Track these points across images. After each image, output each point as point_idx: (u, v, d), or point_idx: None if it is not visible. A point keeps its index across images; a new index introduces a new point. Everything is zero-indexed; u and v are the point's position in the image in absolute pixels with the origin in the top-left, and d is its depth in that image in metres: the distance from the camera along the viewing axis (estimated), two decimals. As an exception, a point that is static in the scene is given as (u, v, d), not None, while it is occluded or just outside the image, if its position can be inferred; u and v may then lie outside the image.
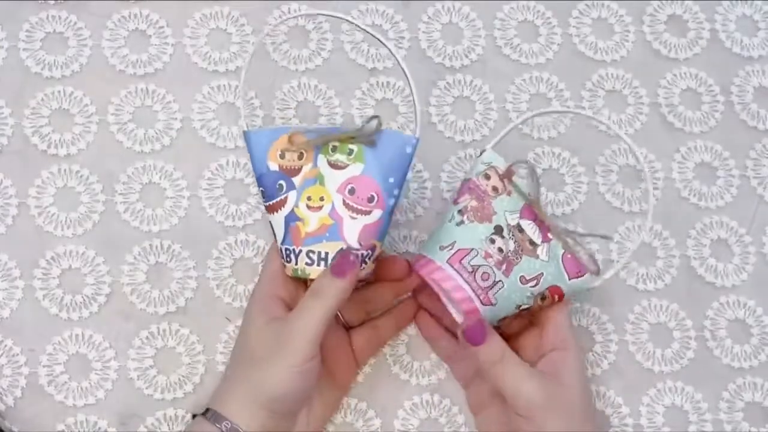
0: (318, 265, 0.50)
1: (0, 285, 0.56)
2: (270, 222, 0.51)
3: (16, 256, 0.57)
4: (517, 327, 0.54)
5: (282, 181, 0.51)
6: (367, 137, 0.50)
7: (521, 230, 0.51)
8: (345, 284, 0.48)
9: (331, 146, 0.50)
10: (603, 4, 0.65)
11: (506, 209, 0.51)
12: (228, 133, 0.60)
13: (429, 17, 0.64)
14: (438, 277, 0.50)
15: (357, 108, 0.61)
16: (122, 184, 0.58)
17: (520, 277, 0.50)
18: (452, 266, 0.50)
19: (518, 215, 0.51)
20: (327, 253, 0.49)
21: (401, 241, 0.59)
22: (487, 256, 0.50)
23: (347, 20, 0.51)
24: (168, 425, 0.55)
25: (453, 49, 0.63)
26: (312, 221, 0.50)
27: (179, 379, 0.56)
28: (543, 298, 0.51)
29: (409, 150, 0.50)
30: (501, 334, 0.50)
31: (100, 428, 0.54)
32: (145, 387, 0.55)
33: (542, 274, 0.51)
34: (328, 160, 0.50)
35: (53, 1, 0.61)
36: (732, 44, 0.65)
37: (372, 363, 0.57)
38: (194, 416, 0.50)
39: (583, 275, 0.51)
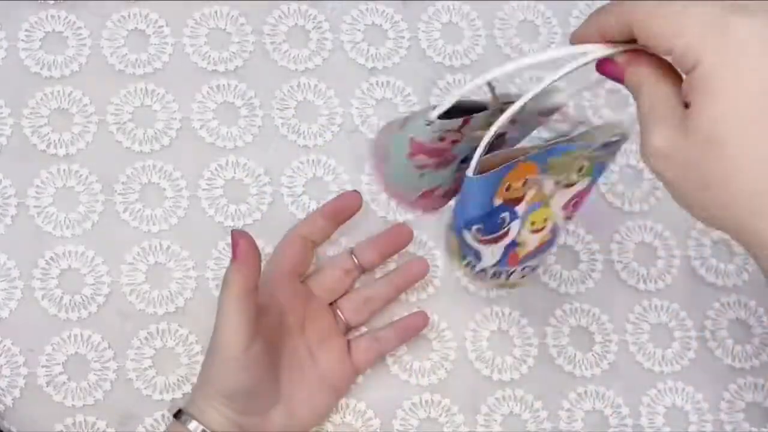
0: (530, 273, 0.50)
1: (-1, 285, 0.56)
2: (477, 249, 0.47)
3: (15, 256, 0.57)
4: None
5: (505, 214, 0.46)
6: (609, 156, 0.45)
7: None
8: (243, 268, 0.46)
9: (558, 172, 0.45)
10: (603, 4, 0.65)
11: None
12: (228, 133, 0.60)
13: (429, 17, 0.64)
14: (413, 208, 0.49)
15: (357, 108, 0.61)
16: (121, 184, 0.58)
17: None
18: (426, 198, 0.47)
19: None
20: (538, 264, 0.49)
21: (401, 241, 0.59)
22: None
23: None
24: (166, 426, 0.54)
25: (453, 49, 0.63)
26: (532, 242, 0.47)
27: (178, 380, 0.56)
28: None
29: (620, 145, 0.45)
30: None
31: (98, 429, 0.54)
32: (144, 387, 0.55)
33: None
34: (556, 180, 0.45)
35: (52, 1, 0.61)
36: (732, 44, 0.65)
37: (371, 363, 0.57)
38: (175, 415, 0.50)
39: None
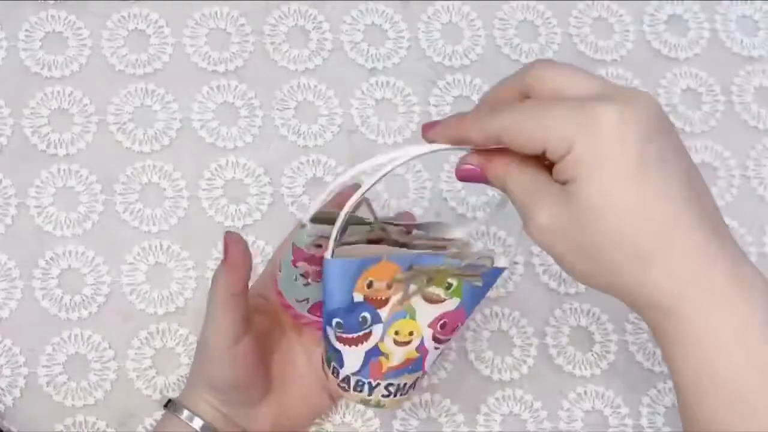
0: (395, 395, 0.47)
1: (-1, 285, 0.56)
2: (338, 349, 0.46)
3: (16, 256, 0.57)
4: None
5: (366, 314, 0.45)
6: (475, 277, 0.45)
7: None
8: (231, 273, 0.46)
9: (426, 279, 0.45)
10: (603, 4, 0.65)
11: None
12: (228, 133, 0.60)
13: (429, 17, 0.64)
14: (307, 322, 0.48)
15: (357, 108, 0.61)
16: (122, 184, 0.58)
17: None
18: (314, 314, 0.47)
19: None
20: (406, 384, 0.47)
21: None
22: None
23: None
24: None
25: (453, 49, 0.63)
26: (397, 356, 0.46)
27: (178, 380, 0.56)
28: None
29: (497, 282, 0.47)
30: None
31: (98, 429, 0.54)
32: (144, 387, 0.55)
33: None
34: (423, 294, 0.45)
35: (53, 1, 0.61)
36: (732, 44, 0.65)
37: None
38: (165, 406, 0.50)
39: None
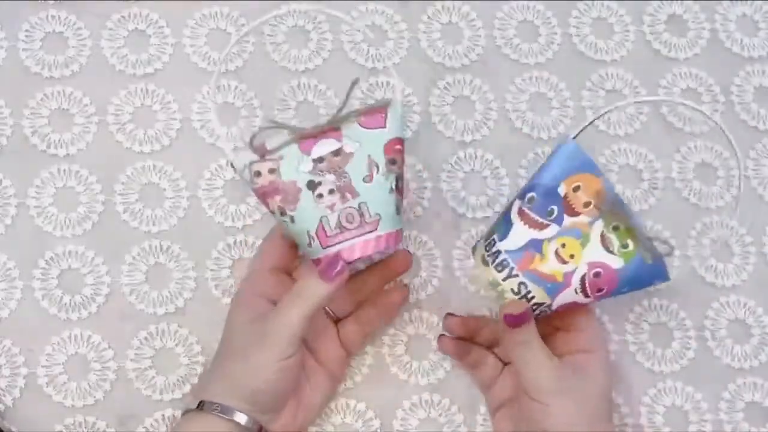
0: (518, 296, 0.49)
1: (-1, 285, 0.56)
2: (512, 221, 0.50)
3: (15, 256, 0.57)
4: (546, 330, 0.54)
5: (555, 208, 0.49)
6: (648, 252, 0.49)
7: (321, 160, 0.49)
8: (330, 289, 0.48)
9: (614, 224, 0.48)
10: (603, 3, 0.65)
11: (294, 166, 0.49)
12: (227, 133, 0.60)
13: (429, 17, 0.64)
14: (330, 261, 0.49)
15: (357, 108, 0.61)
16: (121, 185, 0.58)
17: (362, 179, 0.49)
18: (330, 246, 0.49)
19: (304, 155, 0.49)
20: (533, 297, 0.49)
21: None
22: (331, 207, 0.49)
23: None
24: (166, 426, 0.55)
25: (453, 49, 0.63)
26: (549, 265, 0.49)
27: (177, 380, 0.56)
28: (393, 162, 0.49)
29: (657, 283, 0.50)
30: None
31: (98, 429, 0.54)
32: (144, 387, 0.55)
33: (368, 156, 0.49)
34: (602, 234, 0.49)
35: (53, 1, 0.61)
36: (732, 44, 0.65)
37: (370, 364, 0.57)
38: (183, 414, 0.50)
39: (384, 118, 0.49)
